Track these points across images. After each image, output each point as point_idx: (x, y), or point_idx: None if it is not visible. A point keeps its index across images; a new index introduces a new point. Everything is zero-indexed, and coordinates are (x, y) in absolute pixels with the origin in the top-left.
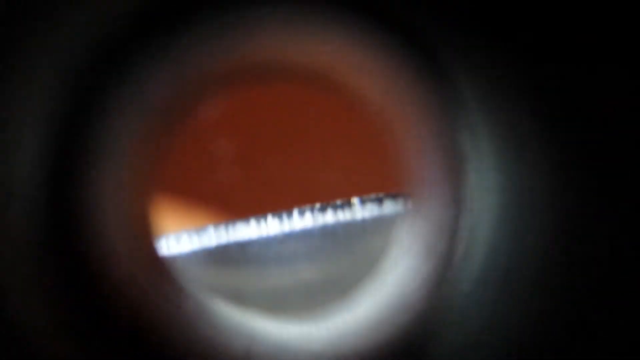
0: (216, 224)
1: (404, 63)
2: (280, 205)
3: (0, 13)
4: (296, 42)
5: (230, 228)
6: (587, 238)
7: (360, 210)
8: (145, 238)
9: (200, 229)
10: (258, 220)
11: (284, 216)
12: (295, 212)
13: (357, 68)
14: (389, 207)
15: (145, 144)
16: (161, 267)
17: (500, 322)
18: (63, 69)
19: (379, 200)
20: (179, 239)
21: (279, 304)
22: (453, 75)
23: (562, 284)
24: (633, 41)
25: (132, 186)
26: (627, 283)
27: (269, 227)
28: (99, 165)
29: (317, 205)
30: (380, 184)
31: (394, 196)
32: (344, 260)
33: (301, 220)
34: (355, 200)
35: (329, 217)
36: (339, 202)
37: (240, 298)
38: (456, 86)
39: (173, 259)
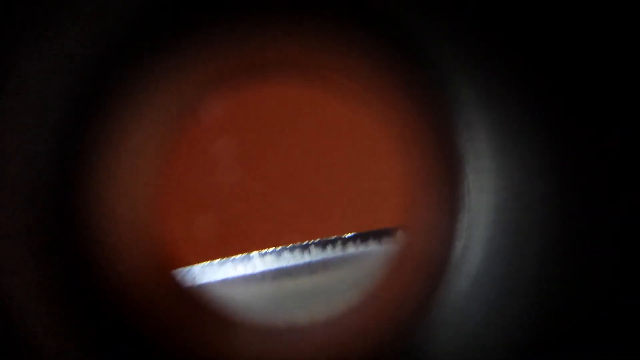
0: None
1: (402, 63)
2: (278, 213)
3: (2, 13)
4: (296, 43)
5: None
6: (584, 237)
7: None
8: (148, 240)
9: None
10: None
11: (285, 251)
12: (294, 248)
13: (355, 68)
14: (383, 242)
15: (148, 145)
16: (163, 269)
17: (498, 321)
18: (65, 69)
19: (370, 237)
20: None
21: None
22: (451, 75)
23: (559, 283)
24: (633, 41)
25: (135, 187)
26: (625, 282)
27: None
28: (101, 166)
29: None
30: (379, 191)
31: (388, 232)
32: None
33: (304, 254)
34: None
35: (323, 252)
36: (334, 237)
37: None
38: (454, 86)
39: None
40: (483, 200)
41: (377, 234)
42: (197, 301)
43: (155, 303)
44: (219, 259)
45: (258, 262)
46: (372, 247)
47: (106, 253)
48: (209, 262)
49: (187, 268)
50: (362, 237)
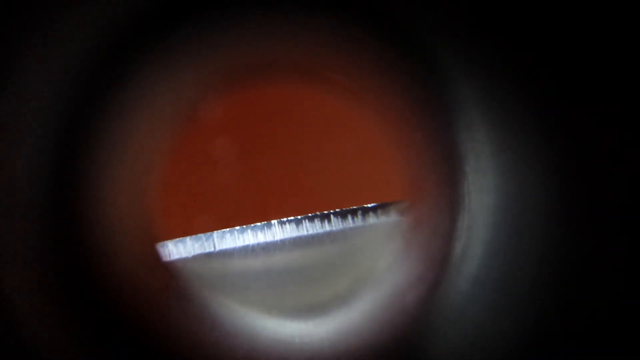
0: (216, 230)
1: (403, 63)
2: (279, 212)
3: (3, 12)
4: (297, 44)
5: (232, 234)
6: (584, 238)
7: (355, 219)
8: (147, 239)
9: (200, 236)
10: (259, 228)
11: (281, 224)
12: (293, 220)
13: (355, 68)
14: (386, 215)
15: (147, 144)
16: (163, 268)
17: (497, 321)
18: (65, 69)
19: (375, 210)
20: (181, 244)
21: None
22: (451, 75)
23: (559, 284)
24: (633, 41)
25: (134, 186)
26: (626, 282)
27: (270, 233)
28: (101, 165)
29: (314, 214)
30: (379, 192)
31: (390, 205)
32: (342, 264)
33: (299, 228)
34: (353, 209)
35: (323, 225)
36: (336, 210)
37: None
38: (454, 86)
39: (174, 261)
40: (483, 200)
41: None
42: (197, 294)
43: (155, 301)
44: (236, 228)
45: (276, 230)
46: (386, 219)
47: (106, 252)
48: (221, 231)
49: (192, 243)
50: (377, 208)
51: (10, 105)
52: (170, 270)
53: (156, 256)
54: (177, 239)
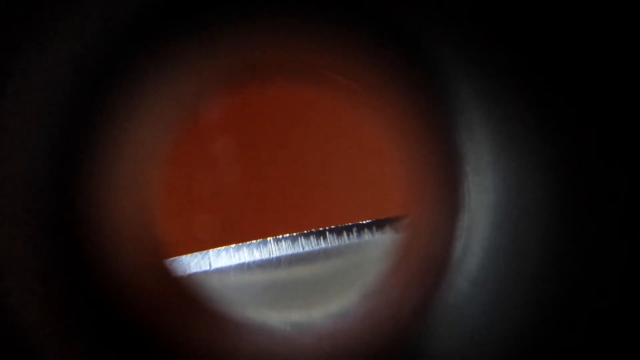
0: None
1: (403, 64)
2: (276, 223)
3: (3, 15)
4: (296, 44)
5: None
6: (584, 238)
7: (350, 236)
8: (148, 240)
9: (196, 254)
10: (262, 244)
11: (276, 241)
12: (288, 237)
13: (355, 68)
14: (382, 232)
15: (147, 145)
16: (164, 271)
17: (497, 321)
18: (65, 69)
19: (371, 226)
20: (177, 262)
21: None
22: (451, 75)
23: (558, 284)
24: (632, 41)
25: (135, 187)
26: (624, 283)
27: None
28: (101, 166)
29: (309, 231)
30: (378, 205)
31: (386, 221)
32: (338, 280)
33: (294, 245)
34: (348, 226)
35: (319, 242)
36: (331, 227)
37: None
38: (454, 86)
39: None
40: (483, 200)
41: (385, 222)
42: (197, 297)
43: (157, 300)
44: (230, 245)
45: (273, 248)
46: (383, 235)
47: (107, 251)
48: (218, 248)
49: (190, 260)
50: (373, 224)
51: (10, 106)
52: (170, 275)
53: (157, 257)
54: (173, 258)
